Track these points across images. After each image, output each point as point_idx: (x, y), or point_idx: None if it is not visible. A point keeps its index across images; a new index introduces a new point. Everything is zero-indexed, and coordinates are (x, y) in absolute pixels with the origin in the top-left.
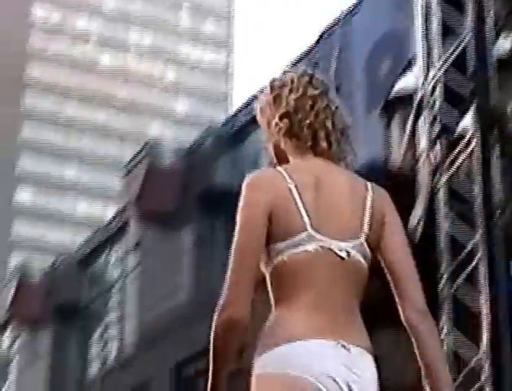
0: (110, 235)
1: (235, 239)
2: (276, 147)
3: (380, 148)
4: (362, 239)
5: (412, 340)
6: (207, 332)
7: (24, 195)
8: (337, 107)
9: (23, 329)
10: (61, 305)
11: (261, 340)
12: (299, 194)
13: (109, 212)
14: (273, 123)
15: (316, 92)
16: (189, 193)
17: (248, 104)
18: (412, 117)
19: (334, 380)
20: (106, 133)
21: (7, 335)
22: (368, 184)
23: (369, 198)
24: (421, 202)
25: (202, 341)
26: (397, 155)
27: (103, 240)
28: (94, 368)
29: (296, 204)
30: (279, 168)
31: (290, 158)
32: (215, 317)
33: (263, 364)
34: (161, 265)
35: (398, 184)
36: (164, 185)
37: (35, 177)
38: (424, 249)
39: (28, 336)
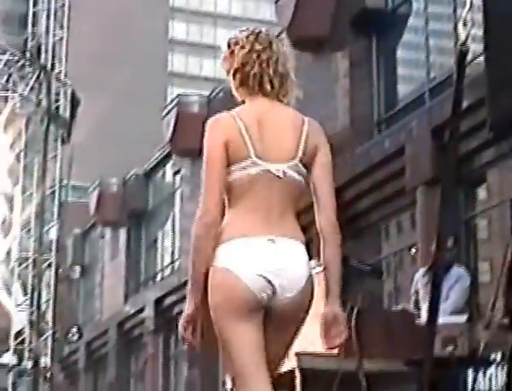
0: None
1: (204, 163)
2: (236, 91)
3: None
4: (297, 161)
5: (321, 244)
6: (365, 155)
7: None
8: (278, 58)
9: (185, 160)
10: None
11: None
12: (246, 130)
13: None
14: (230, 75)
15: (260, 47)
16: (342, 17)
17: None
18: None
19: (262, 277)
20: None
21: (170, 167)
22: (306, 119)
23: (305, 130)
24: None
25: (359, 166)
26: None
27: None
28: None
29: (243, 138)
30: (231, 111)
31: (245, 100)
32: (196, 222)
33: (215, 257)
34: (318, 90)
35: None
36: (316, 10)
37: (189, 10)
38: None
39: (190, 168)
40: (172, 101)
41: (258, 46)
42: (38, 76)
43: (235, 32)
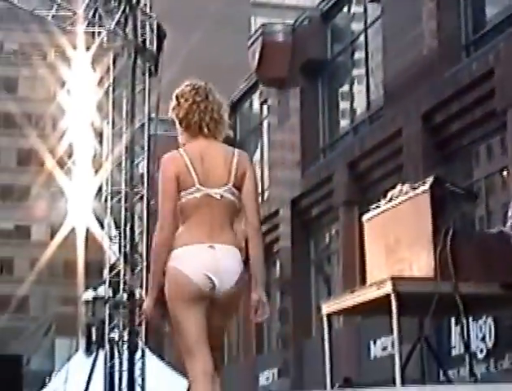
0: None
1: (159, 191)
2: (181, 133)
3: None
4: (230, 185)
5: (249, 244)
6: (454, 79)
7: None
8: (213, 107)
9: (271, 90)
10: (307, 62)
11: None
12: (191, 164)
13: None
14: (177, 123)
15: (199, 99)
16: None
17: None
18: None
19: (204, 274)
20: None
21: (257, 97)
22: (235, 151)
23: (235, 160)
24: None
25: (447, 90)
26: None
27: None
28: (343, 124)
29: (189, 171)
30: (180, 149)
31: (189, 141)
32: (156, 235)
33: (170, 260)
34: (403, 14)
35: None
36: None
37: None
38: None
39: (277, 97)
40: (257, 31)
41: (197, 98)
42: (124, 10)
43: (181, 87)
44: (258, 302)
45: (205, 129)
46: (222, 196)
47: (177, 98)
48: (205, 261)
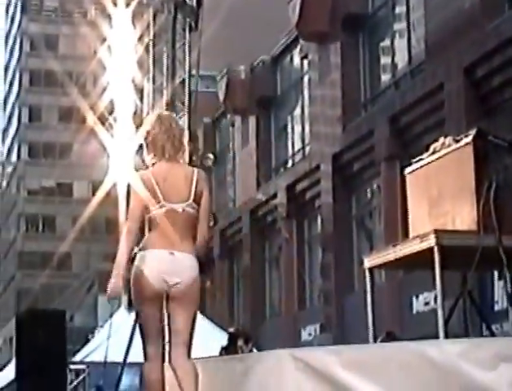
0: None
1: (131, 201)
2: (148, 156)
3: None
4: (190, 201)
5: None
6: (496, 32)
7: None
8: (174, 134)
9: (312, 45)
10: (348, 16)
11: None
12: (157, 184)
13: None
14: (145, 147)
15: (164, 128)
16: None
17: None
18: None
19: (161, 277)
20: None
21: (297, 52)
22: (195, 170)
23: (195, 179)
24: None
25: (489, 43)
26: None
27: None
28: (384, 78)
29: (155, 189)
30: (148, 171)
31: (156, 163)
32: (124, 235)
33: (136, 259)
34: None
35: None
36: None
37: None
38: None
39: (318, 52)
40: None
41: (162, 128)
42: None
43: (150, 117)
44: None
45: (167, 154)
46: (183, 210)
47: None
48: (164, 265)
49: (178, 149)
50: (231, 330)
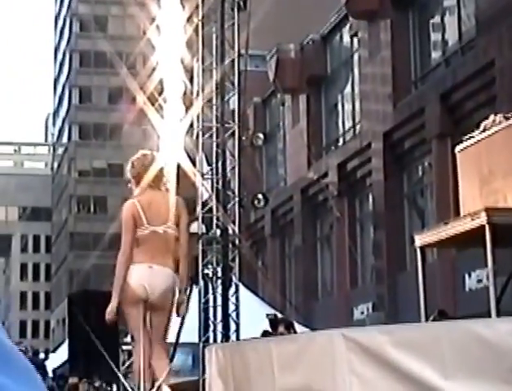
0: None
1: (123, 228)
2: (134, 187)
3: None
4: (170, 223)
5: (180, 263)
6: None
7: None
8: (157, 167)
9: (361, 23)
10: None
11: None
12: (142, 210)
13: None
14: (132, 180)
15: (147, 163)
16: None
17: None
18: None
19: (142, 285)
20: None
21: (347, 30)
22: (174, 198)
23: (174, 205)
24: None
25: None
26: None
27: None
28: (434, 55)
29: (140, 214)
30: (134, 200)
31: (140, 193)
32: (119, 256)
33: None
34: None
35: None
36: None
37: None
38: None
39: (368, 30)
40: None
41: (146, 162)
42: None
43: (136, 155)
44: (181, 302)
45: (149, 185)
46: (164, 231)
47: (132, 163)
48: (143, 276)
49: (159, 181)
50: (271, 316)
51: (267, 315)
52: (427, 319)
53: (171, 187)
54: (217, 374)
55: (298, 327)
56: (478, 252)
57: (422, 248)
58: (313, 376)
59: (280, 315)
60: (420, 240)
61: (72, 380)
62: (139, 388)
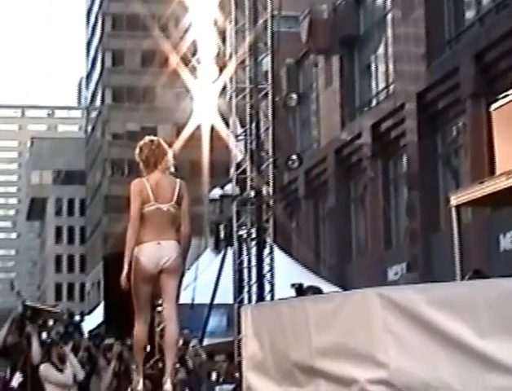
0: None
1: (131, 203)
2: (143, 169)
3: None
4: (173, 203)
5: (182, 240)
6: None
7: None
8: (159, 153)
9: None
10: None
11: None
12: (150, 188)
13: None
14: (141, 163)
15: (154, 147)
16: None
17: None
18: None
19: (153, 262)
20: None
21: None
22: (178, 180)
23: (177, 187)
24: None
25: None
26: None
27: None
28: (468, 15)
29: (148, 192)
30: (143, 178)
31: (149, 174)
32: (128, 228)
33: (135, 251)
34: None
35: None
36: None
37: None
38: None
39: None
40: None
41: (153, 147)
42: None
43: (143, 140)
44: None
45: (158, 167)
46: (168, 209)
47: (140, 148)
48: (154, 252)
49: (165, 164)
50: (297, 285)
51: (293, 285)
52: (463, 278)
53: (205, 149)
54: (252, 334)
55: (331, 289)
56: None
57: (458, 208)
58: (349, 335)
59: (306, 284)
60: (455, 200)
61: (109, 340)
62: (136, 367)
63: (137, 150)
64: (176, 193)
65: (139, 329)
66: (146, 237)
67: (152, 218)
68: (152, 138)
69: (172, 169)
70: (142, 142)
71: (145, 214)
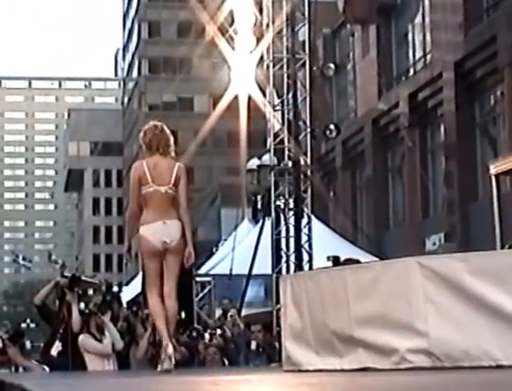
0: None
1: (130, 185)
2: (145, 152)
3: None
4: (171, 185)
5: (181, 219)
6: None
7: None
8: (162, 137)
9: None
10: None
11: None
12: (148, 170)
13: None
14: (144, 146)
15: (157, 132)
16: None
17: None
18: None
19: (159, 238)
20: None
21: None
22: (177, 164)
23: (175, 170)
24: None
25: None
26: None
27: None
28: None
29: (146, 174)
30: (143, 161)
31: (150, 156)
32: (127, 211)
33: (140, 230)
34: None
35: None
36: None
37: None
38: None
39: None
40: None
41: (156, 132)
42: None
43: (147, 125)
44: (189, 253)
45: (160, 150)
46: (166, 191)
47: (144, 132)
48: (161, 231)
49: (166, 147)
50: (332, 258)
51: (328, 257)
52: (503, 247)
53: (242, 120)
54: (291, 303)
55: (368, 259)
56: None
57: (497, 176)
58: (388, 304)
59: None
60: (495, 168)
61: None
62: (162, 335)
63: (141, 134)
64: (174, 176)
65: (153, 303)
66: (150, 217)
67: (153, 200)
68: (156, 123)
69: (173, 154)
70: (146, 127)
71: (146, 195)
